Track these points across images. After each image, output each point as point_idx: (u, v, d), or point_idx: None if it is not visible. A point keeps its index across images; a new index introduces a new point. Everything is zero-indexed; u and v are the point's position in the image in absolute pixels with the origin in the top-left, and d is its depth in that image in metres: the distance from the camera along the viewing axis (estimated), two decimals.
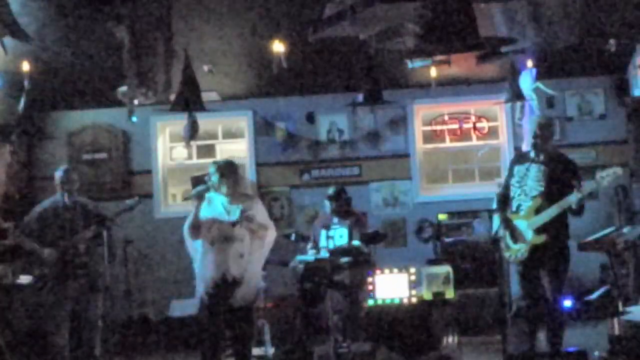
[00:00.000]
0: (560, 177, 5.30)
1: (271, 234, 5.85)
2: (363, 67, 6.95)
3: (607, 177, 5.10)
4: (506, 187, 5.59)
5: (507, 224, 5.36)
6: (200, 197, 5.63)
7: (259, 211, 5.81)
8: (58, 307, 5.94)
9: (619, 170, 5.11)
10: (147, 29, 6.94)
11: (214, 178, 5.66)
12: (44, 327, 6.11)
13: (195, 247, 5.79)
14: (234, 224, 5.55)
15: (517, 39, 6.44)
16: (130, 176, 8.67)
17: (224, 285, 5.59)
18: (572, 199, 5.12)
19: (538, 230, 5.25)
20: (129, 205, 6.20)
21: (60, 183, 6.09)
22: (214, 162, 5.85)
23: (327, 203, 7.02)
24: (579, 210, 5.22)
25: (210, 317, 5.65)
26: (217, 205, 5.67)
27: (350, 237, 6.74)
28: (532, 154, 5.47)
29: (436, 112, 8.76)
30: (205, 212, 5.67)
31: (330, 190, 7.03)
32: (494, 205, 5.64)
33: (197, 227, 5.65)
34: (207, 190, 5.66)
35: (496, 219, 5.56)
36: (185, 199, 6.39)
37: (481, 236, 7.85)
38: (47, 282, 5.96)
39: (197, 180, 7.54)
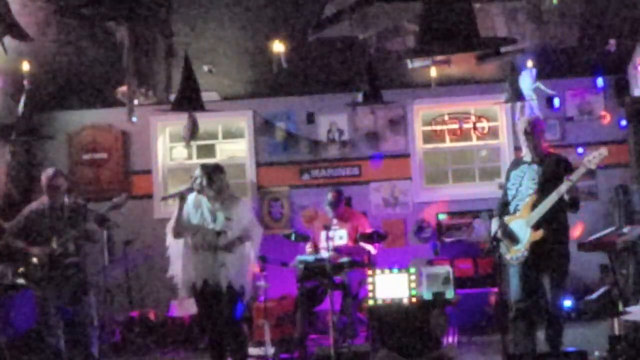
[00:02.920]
0: (554, 174, 5.31)
1: (257, 233, 5.84)
2: (363, 67, 6.95)
3: (594, 159, 5.12)
4: (505, 193, 5.61)
5: (505, 230, 5.37)
6: (182, 198, 5.61)
7: (245, 213, 5.80)
8: (51, 308, 5.93)
9: (604, 152, 5.12)
10: (147, 29, 6.94)
11: (200, 180, 5.63)
12: (40, 327, 6.10)
13: (176, 248, 5.79)
14: (218, 234, 5.55)
15: (517, 39, 6.43)
16: (130, 176, 8.67)
17: (206, 293, 5.60)
18: (563, 187, 5.13)
19: (536, 227, 5.26)
20: (116, 203, 6.16)
21: (45, 187, 6.07)
22: (202, 165, 5.81)
23: (327, 209, 7.04)
24: (573, 203, 5.21)
25: (208, 319, 5.69)
26: (204, 210, 5.68)
27: (353, 241, 6.77)
28: (527, 158, 5.48)
29: (436, 112, 8.76)
30: (193, 216, 5.69)
31: (329, 196, 7.03)
32: (494, 214, 5.67)
33: (179, 228, 5.65)
34: (191, 190, 5.63)
35: (495, 221, 5.57)
36: (164, 198, 6.38)
37: (481, 236, 7.87)
38: (37, 282, 5.96)
39: None
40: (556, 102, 8.23)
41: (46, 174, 6.11)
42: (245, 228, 5.71)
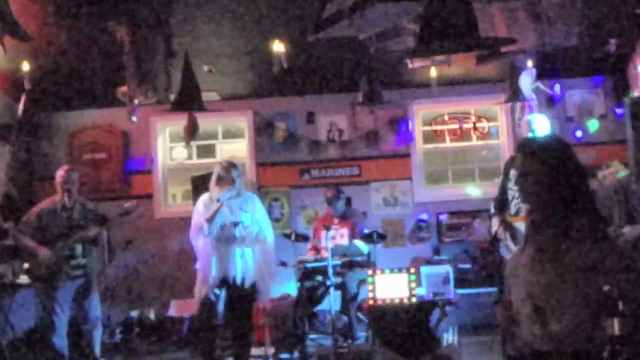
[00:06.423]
0: None
1: (269, 232, 5.87)
2: (363, 67, 6.95)
3: (609, 175, 5.09)
4: (502, 191, 5.58)
5: (508, 227, 5.36)
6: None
7: (259, 208, 5.84)
8: (56, 307, 5.93)
9: (619, 167, 5.08)
10: (147, 29, 6.93)
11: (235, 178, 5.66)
12: (44, 327, 6.11)
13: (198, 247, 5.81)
14: (235, 224, 5.57)
15: (517, 39, 6.43)
16: (130, 176, 8.67)
17: (225, 286, 5.60)
18: None
19: None
20: (127, 209, 6.19)
21: (61, 183, 6.08)
22: (229, 162, 5.84)
23: (325, 205, 7.07)
24: None
25: (209, 317, 5.67)
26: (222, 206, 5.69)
27: (352, 239, 6.78)
28: None
29: (436, 112, 8.76)
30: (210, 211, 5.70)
31: (327, 193, 7.05)
32: (492, 210, 5.64)
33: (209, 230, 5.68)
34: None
35: (495, 220, 5.55)
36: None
37: (481, 236, 7.86)
38: (42, 281, 5.96)
39: (197, 180, 7.57)
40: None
41: (62, 170, 6.13)
42: (258, 220, 5.74)
